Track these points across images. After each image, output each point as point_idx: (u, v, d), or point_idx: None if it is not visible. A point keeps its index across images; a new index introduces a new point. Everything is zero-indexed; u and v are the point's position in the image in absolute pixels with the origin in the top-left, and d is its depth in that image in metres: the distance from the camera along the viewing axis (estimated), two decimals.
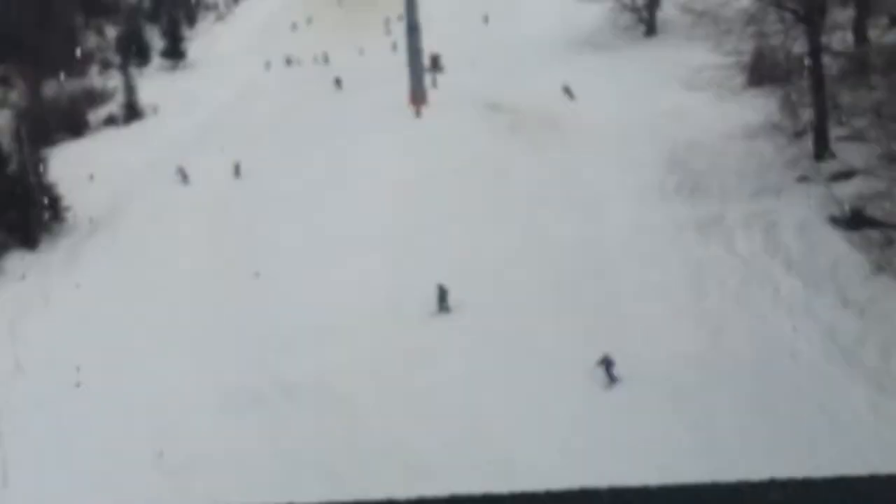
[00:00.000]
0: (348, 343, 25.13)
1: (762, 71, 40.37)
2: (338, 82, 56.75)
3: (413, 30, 51.44)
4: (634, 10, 56.29)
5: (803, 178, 30.95)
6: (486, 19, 68.03)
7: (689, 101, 39.80)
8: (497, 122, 42.37)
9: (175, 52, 75.20)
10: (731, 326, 23.29)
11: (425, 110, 45.43)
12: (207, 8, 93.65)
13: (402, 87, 48.03)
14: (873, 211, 27.09)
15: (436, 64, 56.69)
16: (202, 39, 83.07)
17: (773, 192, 30.50)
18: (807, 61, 32.75)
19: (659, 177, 32.82)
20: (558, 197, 32.33)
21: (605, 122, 40.71)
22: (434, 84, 49.78)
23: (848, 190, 28.43)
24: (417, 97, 46.89)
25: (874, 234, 26.08)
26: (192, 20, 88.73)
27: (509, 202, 32.40)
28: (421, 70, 49.34)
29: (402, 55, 54.77)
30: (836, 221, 27.55)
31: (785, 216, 28.34)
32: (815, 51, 32.17)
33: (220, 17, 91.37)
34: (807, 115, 34.29)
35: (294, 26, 78.62)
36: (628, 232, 29.13)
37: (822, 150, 31.67)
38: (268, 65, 68.51)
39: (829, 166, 31.03)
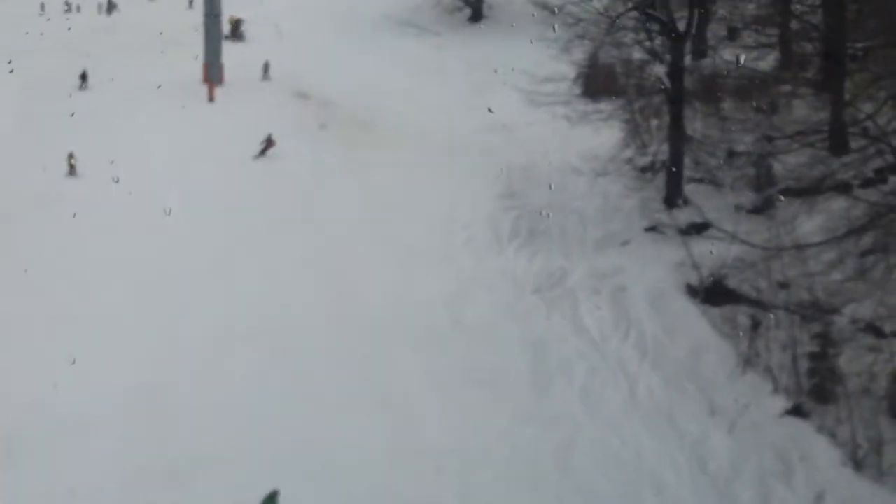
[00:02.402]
0: None
1: (599, 81, 36.55)
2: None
3: None
4: None
5: (653, 228, 27.11)
6: None
7: (522, 112, 35.44)
8: (304, 116, 36.42)
9: None
10: (581, 442, 18.91)
11: (220, 91, 38.74)
12: None
13: (195, 56, 41.07)
14: (736, 281, 23.49)
15: (236, 31, 49.67)
16: None
17: (620, 243, 26.51)
18: (664, 83, 28.65)
19: (492, 211, 28.12)
20: (370, 234, 26.98)
21: (428, 128, 35.66)
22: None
23: (704, 248, 24.59)
24: (212, 75, 40.03)
25: (739, 312, 22.44)
26: None
27: (308, 238, 26.74)
28: (219, 41, 42.31)
29: (197, 13, 47.48)
30: (693, 292, 23.76)
31: (635, 280, 24.31)
32: (677, 71, 28.14)
33: None
34: (653, 143, 30.61)
35: None
36: (456, 289, 24.26)
37: (674, 194, 27.88)
38: (42, 7, 58.95)
39: (682, 214, 27.31)
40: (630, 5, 28.75)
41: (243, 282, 24.59)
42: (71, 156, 30.27)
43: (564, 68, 38.04)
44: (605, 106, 29.86)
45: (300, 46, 45.83)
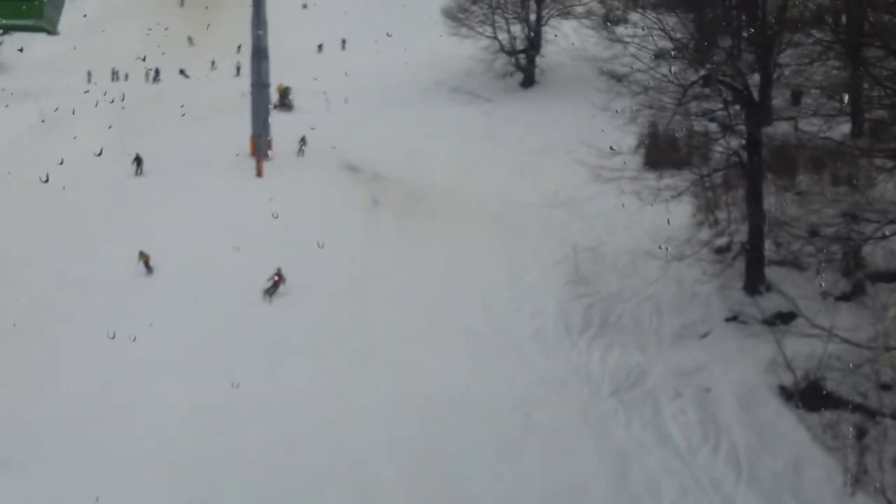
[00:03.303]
0: None
1: (661, 151, 34.77)
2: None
3: (260, 57, 42.83)
4: (511, 53, 49.85)
5: (734, 318, 25.08)
6: (343, 45, 60.27)
7: (584, 185, 33.75)
8: (355, 191, 35.02)
9: None
10: None
11: (268, 165, 37.45)
12: None
13: (242, 125, 39.93)
14: (835, 383, 21.38)
15: (284, 100, 48.67)
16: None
17: (699, 335, 24.51)
18: (740, 156, 26.77)
19: (560, 299, 26.29)
20: (428, 322, 25.26)
21: (483, 201, 34.05)
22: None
23: (794, 343, 22.51)
24: (260, 147, 38.78)
25: (842, 419, 20.29)
26: None
27: (363, 326, 25.11)
28: (266, 112, 41.22)
29: (244, 81, 46.63)
30: (787, 395, 21.64)
31: (721, 379, 22.28)
32: (754, 144, 26.21)
33: None
34: (728, 222, 28.62)
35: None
36: (526, 389, 22.37)
37: (755, 279, 25.85)
38: (89, 76, 58.76)
39: (765, 302, 25.24)
40: (701, 72, 26.90)
41: (295, 380, 22.95)
42: (142, 254, 29.04)
43: (624, 136, 36.58)
44: (675, 181, 27.89)
45: (349, 115, 44.70)
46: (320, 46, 59.98)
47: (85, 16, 65.80)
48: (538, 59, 50.12)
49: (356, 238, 30.17)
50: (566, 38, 50.90)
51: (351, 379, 22.85)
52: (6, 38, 64.62)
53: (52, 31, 5.83)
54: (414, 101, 47.20)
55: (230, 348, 24.09)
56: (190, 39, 62.53)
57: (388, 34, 58.04)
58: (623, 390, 22.16)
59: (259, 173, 36.49)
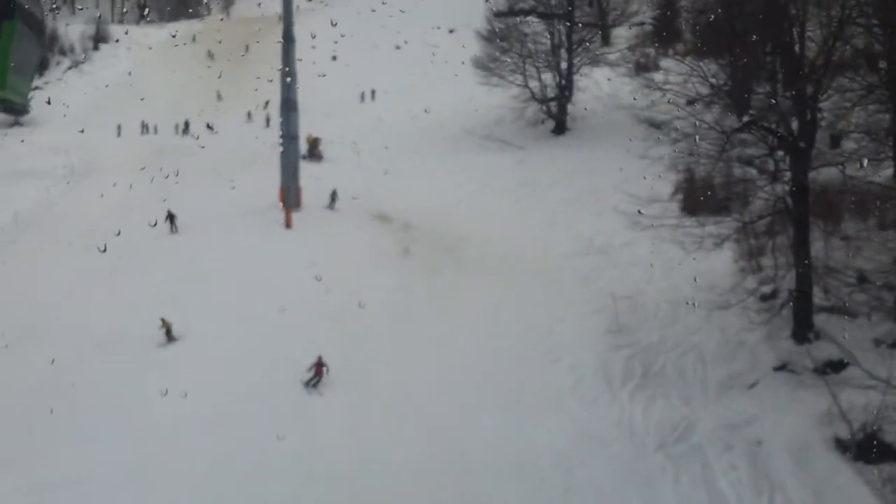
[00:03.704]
0: None
1: (699, 197, 33.94)
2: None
3: (289, 109, 42.47)
4: (542, 101, 49.40)
5: (783, 367, 24.05)
6: (373, 95, 60.23)
7: (618, 233, 32.97)
8: (385, 242, 34.40)
9: None
10: None
11: (297, 217, 36.89)
12: (62, 52, 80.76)
13: (272, 177, 39.46)
14: (894, 435, 20.29)
15: (314, 150, 48.45)
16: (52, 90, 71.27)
17: (747, 385, 23.50)
18: (787, 203, 25.89)
19: (599, 350, 25.38)
20: (464, 375, 24.40)
21: (517, 251, 33.35)
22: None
23: (852, 397, 21.45)
24: (290, 198, 38.37)
25: None
26: (41, 65, 76.50)
27: (398, 382, 24.27)
28: (296, 163, 40.76)
29: (274, 132, 46.47)
30: (843, 448, 20.55)
31: (772, 432, 21.24)
32: (801, 190, 25.34)
33: (75, 65, 78.98)
34: (772, 268, 27.56)
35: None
36: (567, 445, 21.40)
37: (803, 326, 24.84)
38: (119, 129, 58.98)
39: (815, 350, 24.21)
40: (744, 118, 26.14)
41: (327, 440, 22.13)
42: (164, 322, 27.50)
43: (659, 183, 35.78)
44: (717, 228, 27.04)
45: (379, 165, 44.29)
46: (362, 95, 59.89)
47: (130, 73, 66.65)
48: (569, 107, 49.63)
49: (386, 292, 29.31)
50: (597, 85, 50.54)
51: (385, 438, 21.98)
52: (35, 92, 65.19)
53: (18, 103, 5.11)
54: (444, 149, 46.83)
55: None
56: (219, 94, 62.79)
57: (416, 84, 58.45)
58: (669, 444, 21.15)
59: (288, 225, 35.96)
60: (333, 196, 38.49)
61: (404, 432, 22.10)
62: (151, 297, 28.69)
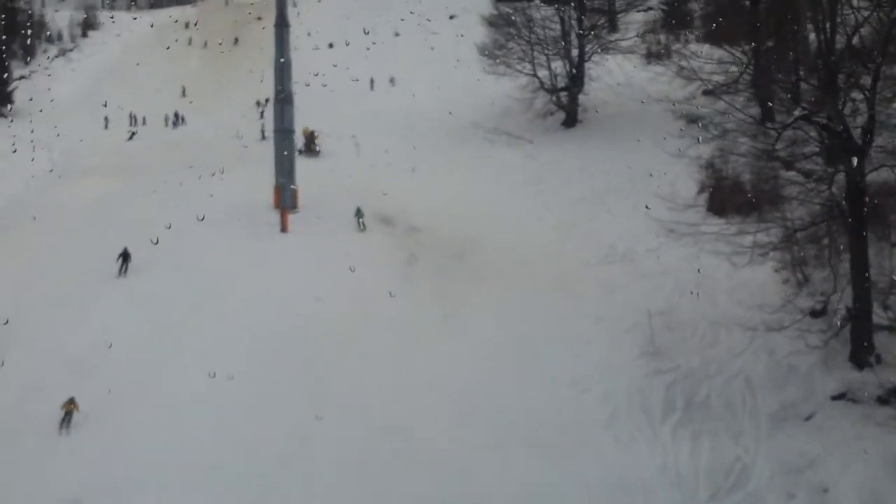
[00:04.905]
0: None
1: (727, 196, 31.17)
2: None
3: (284, 100, 39.27)
4: (552, 91, 46.38)
5: (842, 396, 21.27)
6: (371, 84, 57.17)
7: (641, 237, 30.24)
8: (390, 248, 31.56)
9: None
10: None
11: (294, 219, 33.92)
12: (49, 40, 77.15)
13: (266, 174, 36.43)
14: None
15: (311, 145, 45.51)
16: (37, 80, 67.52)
17: (803, 417, 20.71)
18: (843, 209, 22.97)
19: (633, 375, 22.56)
20: (478, 405, 21.58)
21: (531, 257, 30.50)
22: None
23: None
24: (285, 200, 35.34)
25: None
26: (27, 53, 72.73)
27: (405, 411, 21.41)
28: (291, 159, 37.76)
29: (268, 123, 43.52)
30: None
31: (838, 475, 18.49)
32: (857, 193, 22.43)
33: (63, 53, 75.42)
34: (833, 282, 24.40)
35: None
36: (603, 494, 18.58)
37: (864, 349, 22.02)
38: (106, 122, 55.97)
39: (877, 377, 21.43)
40: (795, 113, 23.17)
41: (324, 474, 19.37)
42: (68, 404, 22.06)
43: (681, 180, 33.01)
44: (762, 236, 24.21)
45: (381, 161, 41.46)
46: (367, 81, 56.75)
47: (119, 61, 63.34)
48: (580, 97, 46.67)
49: (390, 307, 26.41)
50: (610, 74, 47.64)
51: (394, 479, 19.20)
52: (21, 82, 62.09)
53: None
54: (450, 143, 43.99)
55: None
56: (216, 83, 59.82)
57: (419, 73, 55.50)
58: (723, 493, 18.36)
59: (283, 228, 33.00)
60: (359, 213, 33.72)
61: (407, 472, 19.28)
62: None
